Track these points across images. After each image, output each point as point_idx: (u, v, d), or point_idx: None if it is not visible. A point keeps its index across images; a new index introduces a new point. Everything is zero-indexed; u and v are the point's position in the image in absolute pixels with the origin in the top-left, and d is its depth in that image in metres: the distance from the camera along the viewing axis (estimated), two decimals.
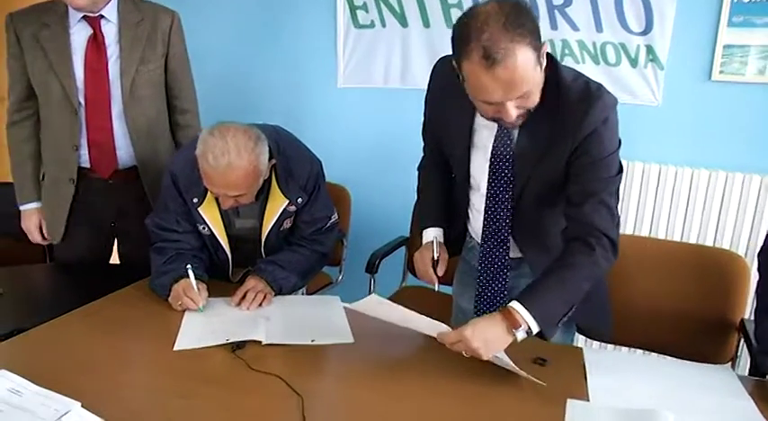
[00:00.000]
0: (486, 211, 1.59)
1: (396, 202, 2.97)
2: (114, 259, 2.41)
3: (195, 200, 1.84)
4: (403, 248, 2.71)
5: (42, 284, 2.13)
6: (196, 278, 1.77)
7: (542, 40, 1.27)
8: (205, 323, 1.68)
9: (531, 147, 1.46)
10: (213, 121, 1.74)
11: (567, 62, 2.78)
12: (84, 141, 2.17)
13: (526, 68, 1.24)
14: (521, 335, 1.39)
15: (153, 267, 1.87)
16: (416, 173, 1.88)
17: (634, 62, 2.70)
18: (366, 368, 1.47)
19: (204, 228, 1.90)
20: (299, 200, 1.88)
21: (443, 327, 1.44)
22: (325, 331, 1.65)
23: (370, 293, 2.32)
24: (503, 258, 1.62)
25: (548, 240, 1.55)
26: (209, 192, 1.81)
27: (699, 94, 2.66)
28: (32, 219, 2.29)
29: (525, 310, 1.39)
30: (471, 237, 1.75)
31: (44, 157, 2.24)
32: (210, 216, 1.86)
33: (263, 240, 1.94)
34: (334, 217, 2.03)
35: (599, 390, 1.39)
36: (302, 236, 1.98)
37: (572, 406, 1.33)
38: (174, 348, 1.54)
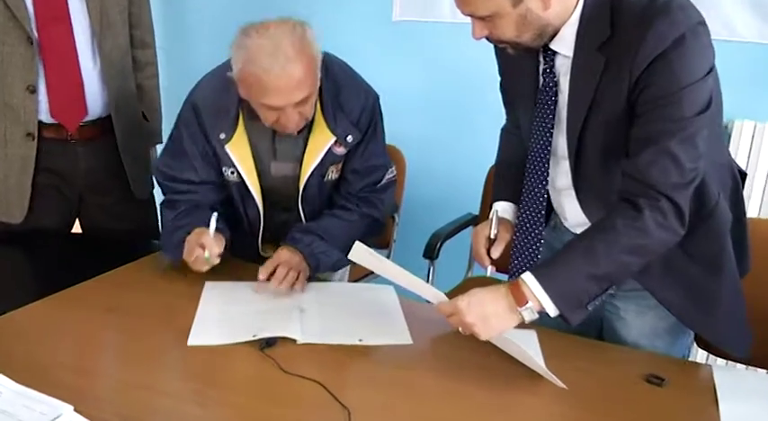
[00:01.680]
0: (527, 172, 1.61)
1: (463, 170, 2.92)
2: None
3: (222, 135, 1.85)
4: (470, 229, 2.62)
5: (14, 259, 2.14)
6: (217, 230, 1.78)
7: None
8: (226, 313, 1.70)
9: (581, 89, 1.46)
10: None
11: None
12: (42, 84, 2.11)
13: None
14: (528, 315, 1.40)
15: (163, 226, 1.90)
16: (492, 134, 1.89)
17: None
18: (428, 377, 1.46)
19: (233, 173, 1.90)
20: (350, 138, 1.88)
21: (443, 298, 1.47)
22: (377, 328, 1.65)
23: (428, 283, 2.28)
24: (537, 224, 1.63)
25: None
26: (239, 125, 1.82)
27: None
28: None
29: (537, 284, 1.39)
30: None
31: None
32: (240, 156, 1.87)
33: (300, 189, 1.94)
34: (392, 172, 2.02)
35: None
36: (351, 192, 1.98)
37: None
38: (189, 343, 1.56)
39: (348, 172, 1.96)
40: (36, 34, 2.06)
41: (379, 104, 1.96)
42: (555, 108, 1.52)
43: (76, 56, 2.13)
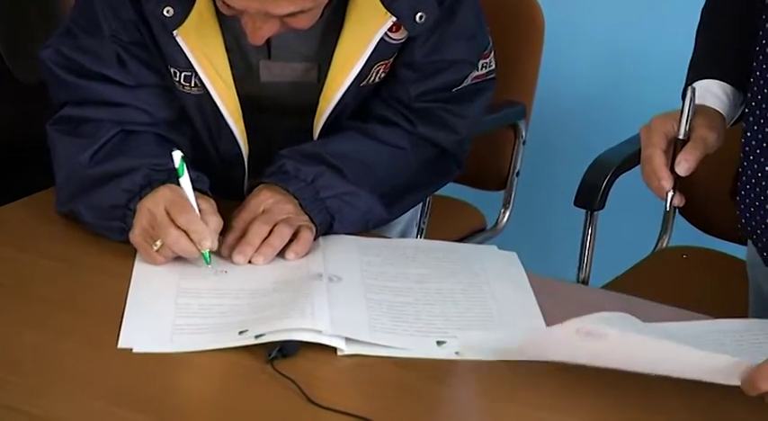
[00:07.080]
0: None
1: (655, 42, 2.35)
2: None
3: (169, 11, 1.37)
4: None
5: None
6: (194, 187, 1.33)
7: None
8: (183, 292, 1.27)
9: None
10: None
11: None
12: None
13: None
14: None
15: (63, 167, 1.43)
16: None
17: None
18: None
19: (187, 81, 1.44)
20: (420, 16, 1.41)
21: (743, 365, 1.13)
22: (487, 330, 1.25)
23: (582, 259, 1.86)
24: None
25: None
26: None
27: None
28: None
29: None
30: None
31: None
32: (203, 51, 1.42)
33: (326, 112, 1.47)
34: (487, 66, 1.55)
35: None
36: (400, 98, 1.50)
37: None
38: (120, 345, 1.17)
39: (401, 66, 1.49)
40: None
41: None
42: None
43: None
